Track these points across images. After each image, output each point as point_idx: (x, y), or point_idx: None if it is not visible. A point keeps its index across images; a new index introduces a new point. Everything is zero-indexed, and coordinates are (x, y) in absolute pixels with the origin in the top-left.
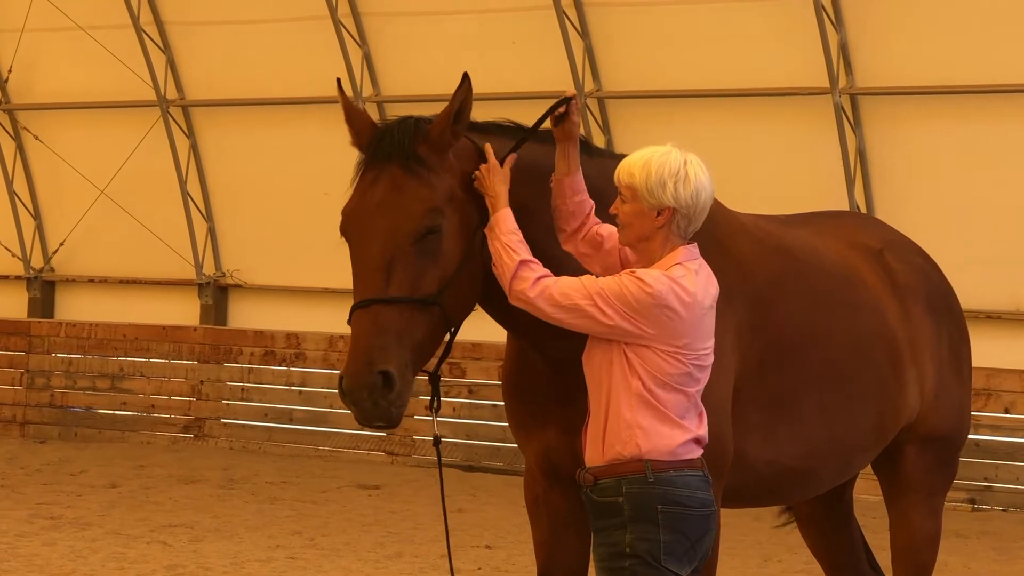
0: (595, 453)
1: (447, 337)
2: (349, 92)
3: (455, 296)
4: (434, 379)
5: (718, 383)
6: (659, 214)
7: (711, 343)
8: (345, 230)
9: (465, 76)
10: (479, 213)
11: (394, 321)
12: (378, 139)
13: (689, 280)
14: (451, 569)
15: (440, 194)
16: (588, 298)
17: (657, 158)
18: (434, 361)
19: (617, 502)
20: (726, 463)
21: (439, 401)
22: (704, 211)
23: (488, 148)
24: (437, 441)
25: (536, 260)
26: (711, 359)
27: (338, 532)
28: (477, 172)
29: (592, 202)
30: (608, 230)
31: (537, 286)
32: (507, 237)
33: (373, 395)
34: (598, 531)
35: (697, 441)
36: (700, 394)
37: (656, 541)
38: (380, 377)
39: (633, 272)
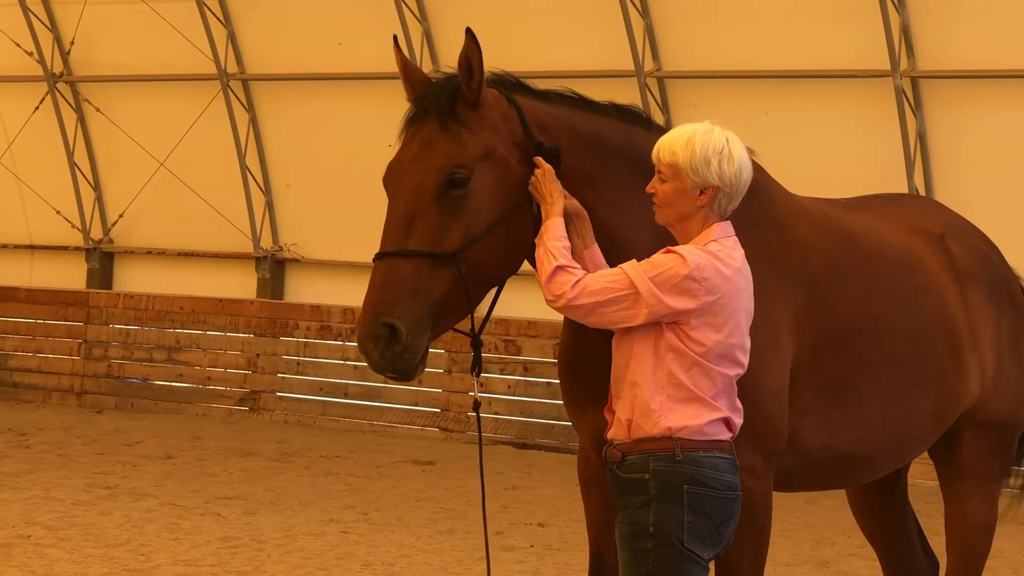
0: (622, 429)
1: (491, 297)
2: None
3: (481, 256)
4: (475, 344)
5: (775, 366)
6: (702, 193)
7: (748, 327)
8: (385, 183)
9: (467, 31)
10: (524, 177)
11: (409, 275)
12: (423, 95)
13: (727, 254)
14: (485, 529)
15: (471, 151)
16: (629, 286)
17: (700, 136)
18: (464, 324)
19: (643, 479)
20: (780, 445)
21: (480, 367)
22: (744, 189)
23: (539, 159)
24: (477, 405)
25: (575, 265)
26: (748, 343)
27: (391, 507)
28: (532, 179)
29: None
30: None
31: (577, 286)
32: (552, 243)
33: (379, 346)
34: (622, 508)
35: (727, 423)
36: (737, 379)
37: (680, 522)
38: (386, 329)
39: (669, 250)
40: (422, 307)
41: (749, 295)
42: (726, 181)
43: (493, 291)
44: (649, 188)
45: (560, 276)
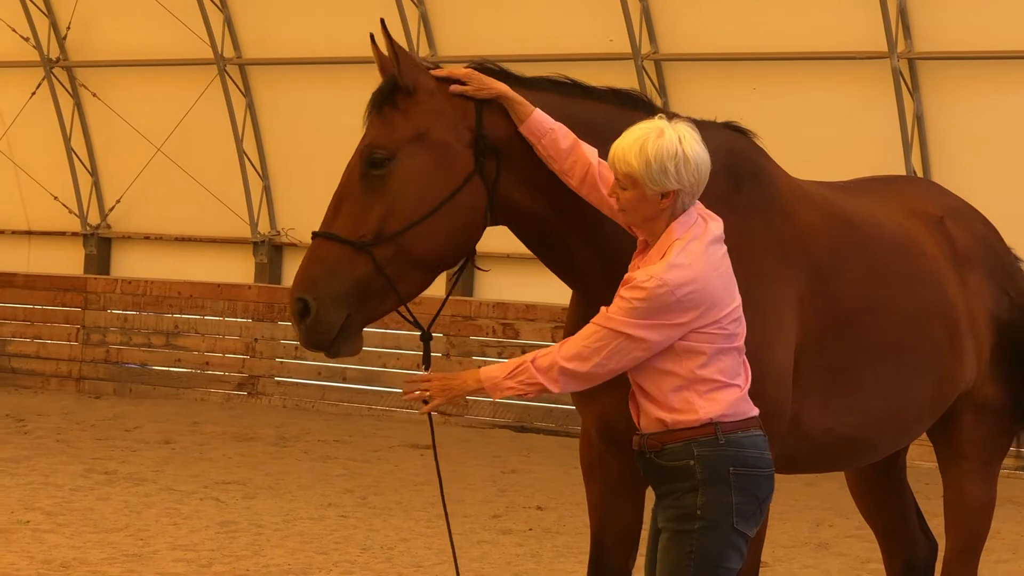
0: (653, 421)
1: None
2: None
3: (411, 238)
4: (425, 339)
5: (779, 350)
6: (663, 197)
7: (739, 298)
8: None
9: (381, 22)
10: (468, 160)
11: (332, 254)
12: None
13: (681, 250)
14: (450, 534)
15: (398, 133)
16: (614, 335)
17: (652, 142)
18: (405, 318)
19: (688, 465)
20: (783, 428)
21: (429, 364)
22: (706, 181)
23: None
24: (430, 416)
25: (538, 352)
26: (740, 301)
27: (389, 491)
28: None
29: (585, 151)
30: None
31: (563, 351)
32: (510, 373)
33: (295, 320)
34: (665, 495)
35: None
36: (743, 347)
37: (729, 504)
38: (300, 304)
39: (633, 282)
40: (341, 284)
41: (725, 262)
42: (685, 183)
43: (450, 280)
44: (609, 193)
45: (542, 362)
